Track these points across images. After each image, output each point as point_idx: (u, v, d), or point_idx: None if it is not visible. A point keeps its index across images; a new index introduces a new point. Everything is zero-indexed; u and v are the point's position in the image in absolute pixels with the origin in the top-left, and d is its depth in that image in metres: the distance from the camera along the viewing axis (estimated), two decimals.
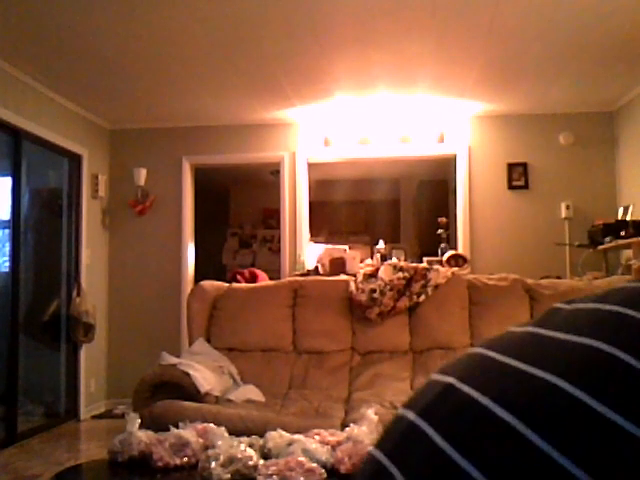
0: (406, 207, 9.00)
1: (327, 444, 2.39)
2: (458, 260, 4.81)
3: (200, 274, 5.87)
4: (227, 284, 4.07)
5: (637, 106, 5.17)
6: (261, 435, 2.51)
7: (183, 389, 3.11)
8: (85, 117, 5.63)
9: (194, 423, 2.58)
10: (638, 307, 0.31)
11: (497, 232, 5.66)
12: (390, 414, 2.75)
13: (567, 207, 5.56)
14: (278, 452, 2.34)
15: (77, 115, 5.50)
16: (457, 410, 0.30)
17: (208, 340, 3.72)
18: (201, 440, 2.41)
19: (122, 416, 2.61)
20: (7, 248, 4.71)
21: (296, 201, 5.93)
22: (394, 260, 4.89)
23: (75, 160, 5.53)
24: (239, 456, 2.21)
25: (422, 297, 3.71)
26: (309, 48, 4.22)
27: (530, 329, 0.34)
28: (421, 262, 4.69)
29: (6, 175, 4.70)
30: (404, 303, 3.70)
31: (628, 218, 4.84)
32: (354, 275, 4.00)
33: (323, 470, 2.19)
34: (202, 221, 6.48)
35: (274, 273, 5.42)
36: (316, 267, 5.02)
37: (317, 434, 2.51)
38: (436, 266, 3.95)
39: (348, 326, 3.75)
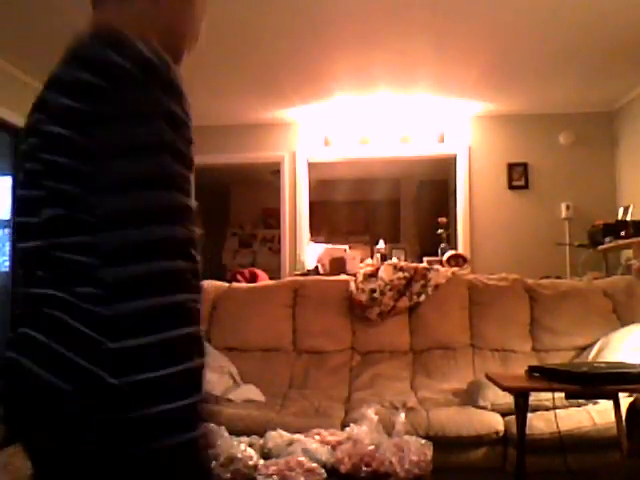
0: (406, 207, 9.00)
1: (327, 444, 2.39)
2: (458, 260, 4.81)
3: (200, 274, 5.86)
4: (227, 284, 4.07)
5: (637, 106, 5.16)
6: (261, 435, 2.51)
7: None
8: None
9: None
10: None
11: (497, 232, 5.66)
12: (390, 414, 2.75)
13: (567, 207, 5.55)
14: (278, 452, 2.34)
15: None
16: None
17: (208, 340, 3.72)
18: None
19: None
20: (7, 248, 4.71)
21: (296, 201, 5.93)
22: (394, 260, 4.90)
23: None
24: (239, 456, 2.21)
25: (422, 297, 3.71)
26: (309, 48, 4.21)
27: None
28: (421, 262, 4.69)
29: (6, 175, 4.70)
30: (404, 303, 3.70)
31: (628, 218, 4.84)
32: (354, 275, 4.00)
33: (323, 470, 2.19)
34: (202, 221, 6.46)
35: (274, 273, 5.42)
36: (316, 267, 5.02)
37: (317, 434, 2.51)
38: (436, 266, 3.96)
39: (348, 326, 3.75)
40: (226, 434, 2.40)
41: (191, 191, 0.90)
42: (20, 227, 0.94)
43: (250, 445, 2.37)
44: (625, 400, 2.57)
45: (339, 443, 2.38)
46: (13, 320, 0.94)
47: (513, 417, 2.62)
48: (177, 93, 0.84)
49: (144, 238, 0.82)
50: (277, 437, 2.44)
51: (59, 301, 0.82)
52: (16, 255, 1.04)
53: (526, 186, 5.67)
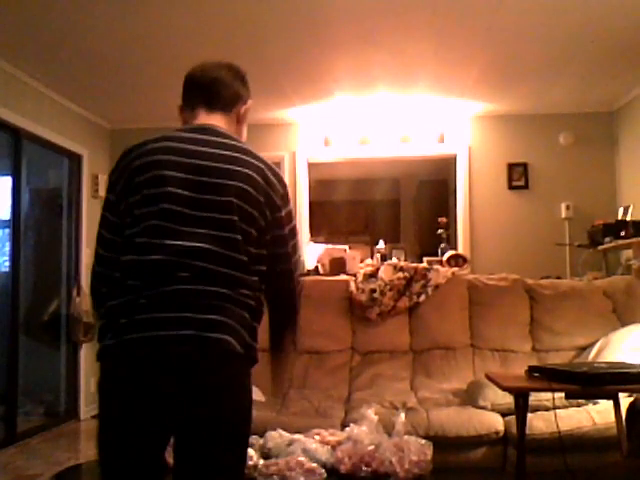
0: (406, 207, 9.00)
1: (327, 444, 2.39)
2: (458, 260, 4.81)
3: None
4: None
5: (637, 106, 5.17)
6: (261, 435, 2.51)
7: None
8: (85, 117, 5.63)
9: None
10: None
11: (497, 232, 5.66)
12: (390, 414, 2.75)
13: (567, 207, 5.56)
14: (278, 452, 2.34)
15: (77, 115, 5.50)
16: None
17: None
18: None
19: None
20: (7, 248, 4.72)
21: (296, 201, 5.93)
22: (394, 260, 4.89)
23: (75, 160, 5.53)
24: None
25: (422, 297, 3.71)
26: (309, 48, 4.22)
27: None
28: (421, 262, 4.68)
29: (6, 175, 4.70)
30: (404, 303, 3.70)
31: (628, 218, 4.84)
32: (354, 275, 4.00)
33: (323, 470, 2.19)
34: None
35: None
36: (316, 267, 5.02)
37: (317, 434, 2.51)
38: (436, 266, 3.95)
39: (348, 326, 3.75)
40: None
41: None
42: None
43: (250, 445, 2.36)
44: (625, 400, 2.57)
45: (339, 443, 2.38)
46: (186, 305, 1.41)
47: (513, 417, 2.62)
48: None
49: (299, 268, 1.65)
50: (277, 437, 2.44)
51: (235, 299, 1.44)
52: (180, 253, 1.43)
53: (526, 186, 5.67)
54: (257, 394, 3.31)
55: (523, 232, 5.61)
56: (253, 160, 1.52)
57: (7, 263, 4.71)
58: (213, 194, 1.45)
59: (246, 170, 1.49)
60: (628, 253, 4.88)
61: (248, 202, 1.47)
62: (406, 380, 3.47)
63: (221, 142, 1.54)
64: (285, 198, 1.57)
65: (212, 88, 1.69)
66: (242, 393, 1.48)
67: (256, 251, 1.49)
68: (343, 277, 4.14)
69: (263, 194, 1.50)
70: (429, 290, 3.72)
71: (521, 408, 2.45)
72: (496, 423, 2.85)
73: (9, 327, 4.59)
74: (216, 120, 1.63)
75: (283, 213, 1.55)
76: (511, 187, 5.70)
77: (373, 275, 3.84)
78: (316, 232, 6.95)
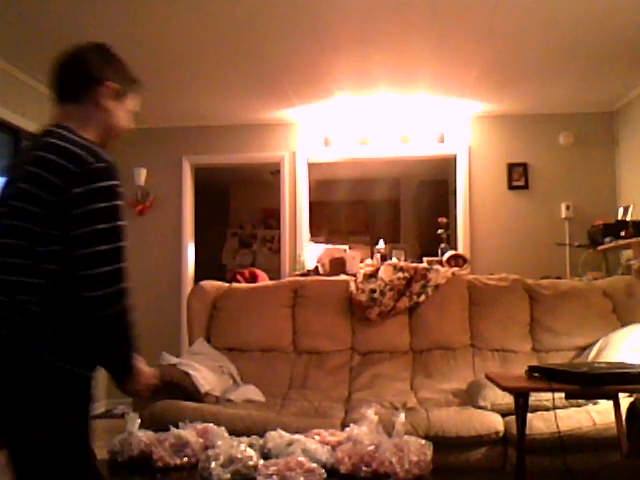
0: (406, 207, 9.00)
1: (327, 444, 2.39)
2: (458, 260, 4.82)
3: (200, 274, 5.87)
4: (227, 284, 4.06)
5: (637, 106, 5.16)
6: (261, 435, 2.51)
7: (183, 389, 3.11)
8: None
9: (194, 423, 2.58)
10: None
11: (497, 232, 5.66)
12: (390, 414, 2.75)
13: (567, 207, 5.55)
14: (278, 452, 2.34)
15: None
16: None
17: (208, 340, 3.72)
18: (201, 440, 2.41)
19: (122, 416, 2.61)
20: None
21: (296, 201, 5.92)
22: (394, 260, 4.90)
23: None
24: (239, 456, 2.21)
25: (422, 297, 3.71)
26: (309, 48, 4.21)
27: None
28: (421, 262, 4.69)
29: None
30: (404, 303, 3.70)
31: (628, 218, 4.84)
32: (354, 275, 4.00)
33: (323, 470, 2.19)
34: (202, 221, 6.47)
35: (274, 273, 5.42)
36: (316, 267, 5.02)
37: (317, 434, 2.51)
38: (436, 266, 3.95)
39: (348, 326, 3.75)
40: (226, 434, 2.40)
41: None
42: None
43: (250, 445, 2.36)
44: (625, 400, 2.57)
45: (339, 443, 2.38)
46: None
47: (513, 417, 2.62)
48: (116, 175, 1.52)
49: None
50: (277, 437, 2.44)
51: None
52: None
53: (526, 186, 5.67)
54: (257, 394, 3.31)
55: (523, 232, 5.61)
56: (42, 150, 1.49)
57: None
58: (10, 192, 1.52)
59: (34, 166, 1.48)
60: (628, 253, 4.88)
61: (30, 199, 1.46)
62: (406, 380, 3.47)
63: (35, 141, 1.55)
64: (79, 177, 1.45)
65: (57, 77, 1.66)
66: (15, 402, 1.49)
67: (46, 249, 1.46)
68: (343, 277, 4.14)
69: (51, 177, 1.45)
70: (429, 290, 3.72)
71: (521, 408, 2.45)
72: (496, 423, 2.85)
73: None
74: (63, 113, 1.60)
75: (74, 192, 1.44)
76: (511, 187, 5.70)
77: (373, 275, 3.84)
78: (316, 232, 6.96)
